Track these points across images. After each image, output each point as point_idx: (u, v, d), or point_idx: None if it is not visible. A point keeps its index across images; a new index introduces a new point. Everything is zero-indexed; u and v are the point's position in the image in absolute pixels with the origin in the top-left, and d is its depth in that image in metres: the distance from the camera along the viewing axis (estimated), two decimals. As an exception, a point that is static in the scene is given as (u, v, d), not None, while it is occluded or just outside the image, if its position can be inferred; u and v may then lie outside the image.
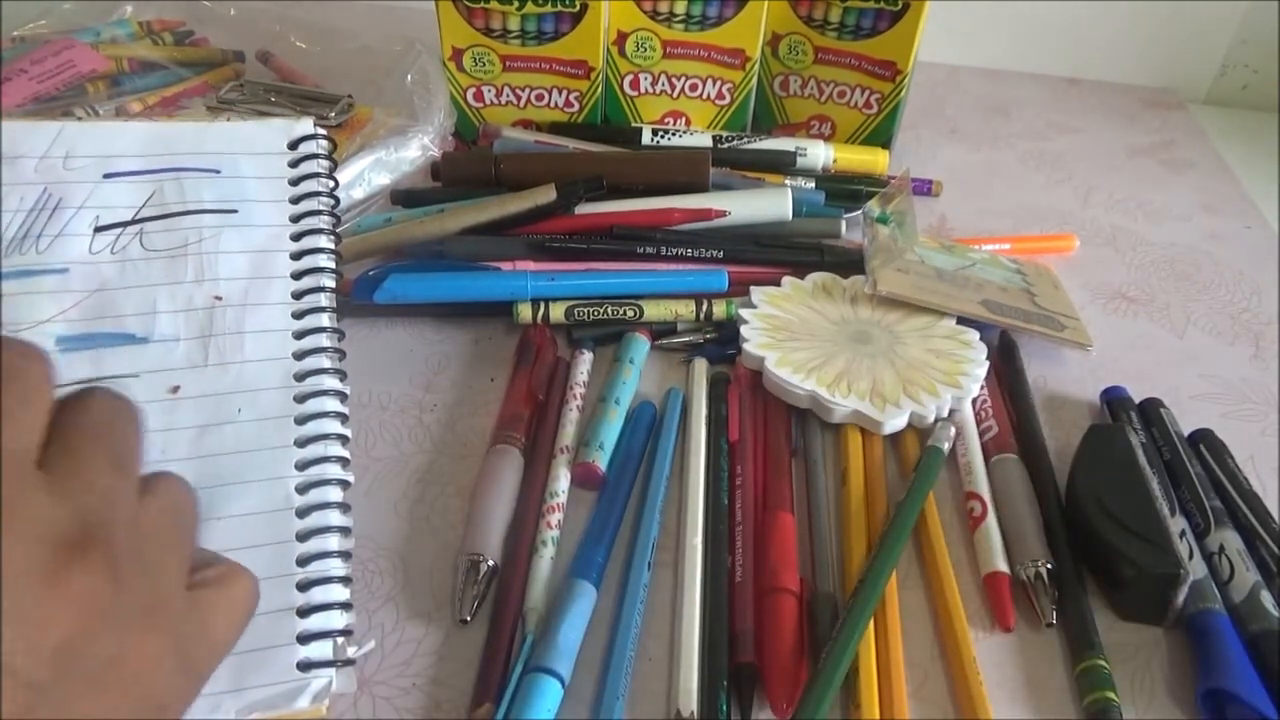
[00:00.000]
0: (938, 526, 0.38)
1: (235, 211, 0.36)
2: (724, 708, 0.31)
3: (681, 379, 0.46)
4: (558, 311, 0.46)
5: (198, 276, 0.35)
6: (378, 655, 0.34)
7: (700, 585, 0.35)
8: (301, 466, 0.34)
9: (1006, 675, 0.34)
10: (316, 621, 0.31)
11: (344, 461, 0.34)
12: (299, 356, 0.35)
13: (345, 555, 0.33)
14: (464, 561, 0.35)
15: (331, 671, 0.31)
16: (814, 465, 0.41)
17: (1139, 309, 0.53)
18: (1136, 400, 0.45)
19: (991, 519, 0.38)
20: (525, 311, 0.46)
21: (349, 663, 0.32)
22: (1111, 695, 0.32)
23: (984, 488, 0.39)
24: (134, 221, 0.35)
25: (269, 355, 0.35)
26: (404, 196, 0.53)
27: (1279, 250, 0.59)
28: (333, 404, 0.35)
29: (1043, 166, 0.67)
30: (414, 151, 0.54)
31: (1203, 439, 0.42)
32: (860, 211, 0.54)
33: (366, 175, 0.53)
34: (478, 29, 0.56)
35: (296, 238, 0.37)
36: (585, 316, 0.47)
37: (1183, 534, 0.37)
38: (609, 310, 0.47)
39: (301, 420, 0.34)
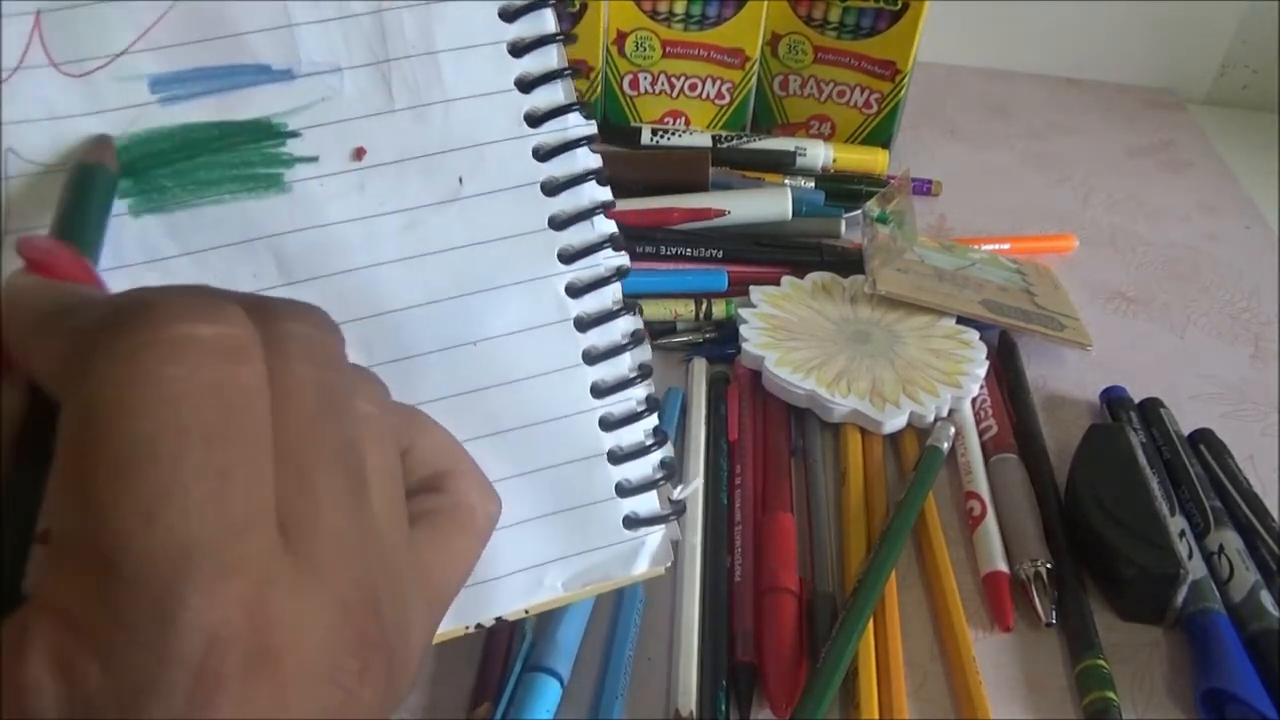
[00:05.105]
0: (937, 526, 0.38)
1: None
2: (723, 707, 0.31)
3: (681, 378, 0.45)
4: (557, 311, 0.46)
5: None
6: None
7: (699, 585, 0.35)
8: (569, 258, 0.24)
9: (1006, 675, 0.34)
10: (634, 469, 0.25)
11: (616, 241, 0.25)
12: (525, 85, 0.23)
13: (646, 373, 0.26)
14: (463, 561, 0.35)
15: (663, 527, 0.26)
16: (813, 465, 0.41)
17: (1138, 309, 0.53)
18: (1136, 400, 0.45)
19: (991, 519, 0.38)
20: (524, 311, 0.46)
21: (680, 512, 0.26)
22: (1111, 695, 0.32)
23: (983, 487, 0.39)
24: None
25: (483, 86, 0.23)
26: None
27: (1279, 250, 0.59)
28: (588, 158, 0.24)
29: (1042, 167, 0.67)
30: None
31: (1202, 439, 0.42)
32: (860, 211, 0.54)
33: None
34: (477, 28, 0.56)
35: None
36: (585, 316, 0.46)
37: (1182, 534, 0.37)
38: (608, 310, 0.47)
39: (553, 188, 0.24)
